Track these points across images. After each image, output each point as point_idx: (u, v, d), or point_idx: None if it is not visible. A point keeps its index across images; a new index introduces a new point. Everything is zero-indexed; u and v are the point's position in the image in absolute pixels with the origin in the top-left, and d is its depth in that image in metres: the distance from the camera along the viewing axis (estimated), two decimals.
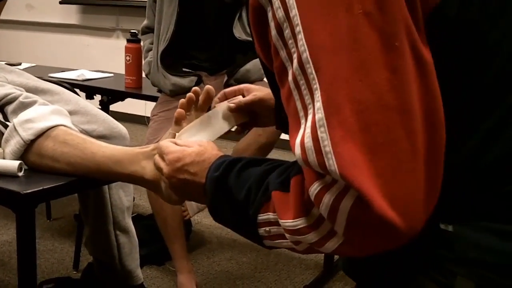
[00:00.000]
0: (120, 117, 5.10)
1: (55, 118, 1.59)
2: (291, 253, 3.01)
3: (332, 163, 0.74)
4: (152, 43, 2.81)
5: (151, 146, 1.42)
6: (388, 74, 0.73)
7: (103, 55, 5.73)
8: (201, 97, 1.30)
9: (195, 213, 2.84)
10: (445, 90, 0.79)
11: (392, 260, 0.87)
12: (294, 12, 0.77)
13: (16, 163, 1.49)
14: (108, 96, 3.19)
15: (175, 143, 1.13)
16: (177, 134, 1.24)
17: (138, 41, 3.05)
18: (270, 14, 0.82)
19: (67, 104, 1.88)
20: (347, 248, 0.83)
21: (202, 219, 3.41)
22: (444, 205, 0.82)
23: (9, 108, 1.66)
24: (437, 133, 0.77)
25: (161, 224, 2.62)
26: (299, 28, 0.77)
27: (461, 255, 0.83)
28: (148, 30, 2.89)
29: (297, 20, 0.77)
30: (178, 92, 2.66)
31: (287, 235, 0.89)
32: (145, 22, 2.90)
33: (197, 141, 1.15)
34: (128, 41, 3.09)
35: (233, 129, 1.36)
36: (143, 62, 2.96)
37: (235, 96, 1.37)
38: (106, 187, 1.99)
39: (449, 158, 0.80)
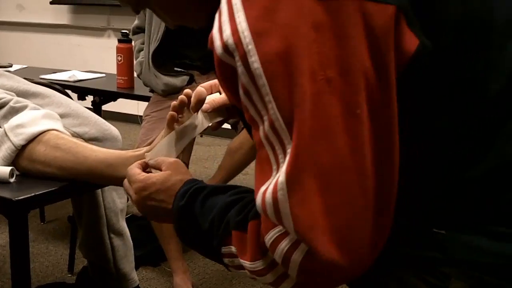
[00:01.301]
0: (113, 116, 5.10)
1: (46, 122, 1.57)
2: None
3: (288, 223, 0.78)
4: (143, 43, 2.80)
5: (144, 149, 1.41)
6: (348, 139, 0.76)
7: (95, 55, 5.70)
8: (192, 99, 1.28)
9: None
10: (430, 113, 0.83)
11: (385, 264, 0.88)
12: (262, 81, 0.77)
13: (7, 169, 1.47)
14: (100, 96, 3.17)
15: (143, 166, 1.17)
16: (147, 154, 1.25)
17: (129, 41, 3.03)
18: (238, 73, 0.81)
19: (58, 107, 1.86)
20: None
21: None
22: (437, 213, 0.85)
23: (0, 113, 1.64)
24: (389, 190, 0.80)
25: (156, 224, 2.60)
26: (269, 98, 0.77)
27: (454, 257, 0.83)
28: (139, 30, 2.87)
29: (266, 89, 0.77)
30: (170, 92, 2.65)
31: (247, 272, 0.93)
32: (136, 22, 2.88)
33: (165, 159, 1.16)
34: (119, 41, 3.07)
35: (210, 124, 1.35)
36: (134, 62, 2.94)
37: (211, 91, 1.36)
38: (99, 190, 1.98)
39: (440, 170, 0.84)
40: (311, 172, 0.76)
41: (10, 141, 1.52)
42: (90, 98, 3.20)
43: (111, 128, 1.96)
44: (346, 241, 0.78)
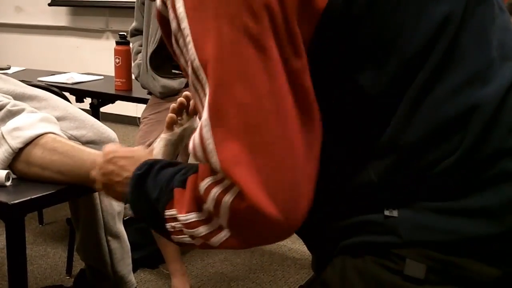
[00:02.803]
0: (111, 118, 5.10)
1: (43, 125, 1.57)
2: (286, 253, 3.00)
3: (215, 160, 0.82)
4: (141, 45, 2.79)
5: None
6: (265, 79, 0.80)
7: (94, 57, 5.70)
8: (191, 102, 1.29)
9: None
10: (353, 79, 0.86)
11: (342, 255, 0.92)
12: (184, 24, 0.83)
13: (3, 172, 1.47)
14: (98, 99, 3.17)
15: None
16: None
17: (127, 43, 3.03)
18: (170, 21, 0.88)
19: (55, 110, 1.86)
20: (233, 241, 0.89)
21: None
22: (386, 192, 0.87)
23: None
24: (313, 131, 0.85)
25: None
26: (189, 39, 0.83)
27: (408, 239, 0.85)
28: (136, 32, 2.87)
29: (187, 31, 0.83)
30: (168, 94, 2.65)
31: (184, 230, 0.94)
32: (133, 24, 2.88)
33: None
34: (117, 43, 3.07)
35: None
36: (132, 64, 2.94)
37: None
38: (96, 193, 1.98)
39: (374, 137, 0.86)
40: (232, 111, 0.80)
41: (8, 144, 1.51)
42: (88, 100, 3.20)
43: (108, 131, 1.96)
44: (273, 184, 0.80)
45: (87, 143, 1.85)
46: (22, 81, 2.03)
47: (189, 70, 0.84)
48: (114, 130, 2.01)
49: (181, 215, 0.93)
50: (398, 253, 0.86)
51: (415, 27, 0.85)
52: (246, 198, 0.80)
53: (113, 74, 3.17)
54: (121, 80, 3.08)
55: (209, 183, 0.86)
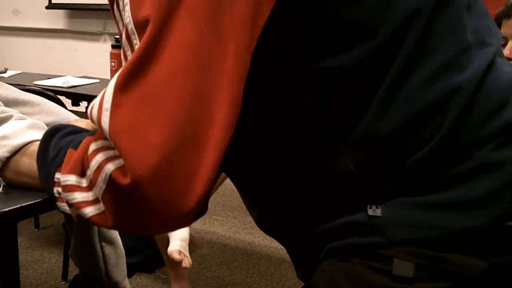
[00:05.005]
0: None
1: (31, 133, 1.55)
2: (283, 257, 2.99)
3: (106, 120, 0.75)
4: None
5: None
6: (186, 54, 0.74)
7: (91, 59, 5.69)
8: None
9: None
10: (319, 63, 0.80)
11: (329, 258, 0.90)
12: None
13: None
14: None
15: None
16: None
17: None
18: None
19: (48, 115, 1.85)
20: (104, 218, 0.83)
21: (192, 224, 3.38)
22: (368, 184, 0.84)
23: None
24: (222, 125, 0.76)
25: None
26: (126, 1, 0.79)
27: (394, 238, 0.84)
28: None
29: None
30: None
31: (62, 194, 0.88)
32: None
33: None
34: (113, 46, 3.06)
35: None
36: None
37: None
38: None
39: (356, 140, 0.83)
40: (141, 78, 0.74)
41: None
42: (84, 104, 3.19)
43: None
44: (164, 163, 0.73)
45: None
46: (18, 84, 2.02)
47: (123, 36, 0.80)
48: None
49: (62, 175, 0.87)
50: (385, 253, 0.85)
51: (384, 15, 0.81)
52: (129, 173, 0.74)
53: (109, 78, 3.16)
54: None
55: (100, 145, 0.81)
